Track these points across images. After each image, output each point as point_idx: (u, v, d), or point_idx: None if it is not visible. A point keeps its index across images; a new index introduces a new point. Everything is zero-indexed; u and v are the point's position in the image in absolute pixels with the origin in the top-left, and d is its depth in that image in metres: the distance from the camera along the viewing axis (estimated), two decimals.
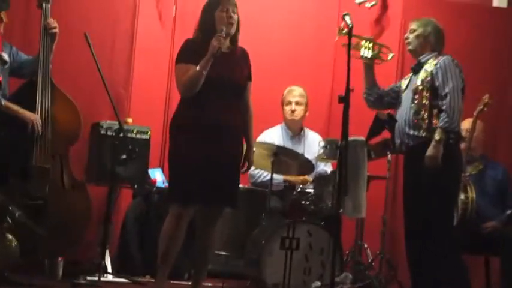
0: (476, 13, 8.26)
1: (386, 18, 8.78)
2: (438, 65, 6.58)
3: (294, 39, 8.61)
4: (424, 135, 6.55)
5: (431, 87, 6.56)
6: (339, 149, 6.09)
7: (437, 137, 6.40)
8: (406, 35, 6.89)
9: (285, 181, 7.50)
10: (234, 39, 6.08)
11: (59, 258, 7.01)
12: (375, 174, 7.61)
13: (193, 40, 6.07)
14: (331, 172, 7.39)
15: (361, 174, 6.87)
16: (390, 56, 7.02)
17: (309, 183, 7.52)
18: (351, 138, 6.15)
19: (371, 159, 7.26)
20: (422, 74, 6.64)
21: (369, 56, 6.89)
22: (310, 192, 7.33)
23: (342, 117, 5.99)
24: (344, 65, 6.08)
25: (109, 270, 7.38)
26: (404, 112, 6.69)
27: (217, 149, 5.91)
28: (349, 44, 6.10)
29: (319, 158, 7.49)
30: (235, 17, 6.00)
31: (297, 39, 8.62)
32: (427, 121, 6.59)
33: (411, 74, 6.86)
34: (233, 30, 6.01)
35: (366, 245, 7.77)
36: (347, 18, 6.17)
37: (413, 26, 6.84)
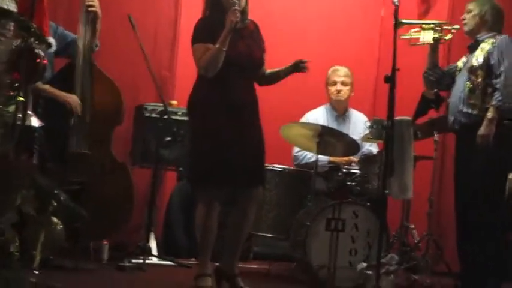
0: None
1: None
2: (495, 44, 6.56)
3: (339, 18, 8.62)
4: (477, 113, 6.54)
5: (487, 66, 6.55)
6: (385, 129, 6.10)
7: (489, 115, 6.38)
8: (463, 16, 6.85)
9: (330, 162, 7.49)
10: (244, 12, 6.08)
11: (104, 242, 7.06)
12: (422, 155, 7.56)
13: (206, 19, 6.12)
14: (377, 153, 7.37)
15: (407, 155, 6.84)
16: (454, 29, 7.02)
17: (354, 164, 7.51)
18: (397, 118, 6.15)
19: (417, 139, 7.23)
20: (478, 52, 6.63)
21: (431, 40, 6.89)
22: (355, 173, 7.32)
23: (388, 97, 5.98)
24: (390, 44, 6.08)
25: (154, 253, 7.43)
26: (459, 90, 6.70)
27: (239, 127, 5.99)
28: (395, 24, 6.07)
29: (365, 138, 7.48)
30: None
31: (342, 18, 8.63)
32: (481, 99, 6.57)
33: (468, 53, 6.84)
34: (242, 3, 6.01)
35: (412, 226, 7.74)
36: None
37: (470, 6, 6.82)
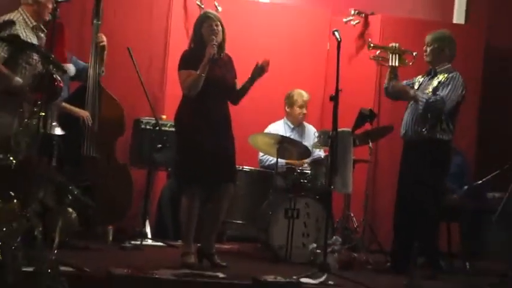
0: (439, 29, 8.17)
1: (368, 33, 8.74)
2: (450, 76, 6.56)
3: (295, 50, 8.58)
4: (425, 133, 6.56)
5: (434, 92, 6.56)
6: (331, 138, 6.12)
7: (414, 94, 6.54)
8: (424, 47, 6.74)
9: (287, 164, 7.49)
10: (221, 46, 6.11)
11: (109, 227, 7.06)
12: (359, 158, 7.60)
13: (189, 51, 6.17)
14: (324, 157, 7.38)
15: (348, 158, 6.84)
16: (413, 55, 6.94)
17: (306, 166, 7.52)
18: (340, 129, 6.17)
19: (356, 146, 7.25)
20: (435, 82, 6.61)
21: (397, 64, 6.80)
22: (307, 173, 7.34)
23: (333, 112, 6.02)
24: (334, 70, 6.10)
25: (149, 236, 7.42)
26: (414, 109, 6.64)
27: (215, 137, 6.01)
28: (338, 54, 6.07)
29: (315, 145, 7.54)
30: (219, 29, 6.07)
31: (297, 50, 8.58)
32: (430, 122, 6.57)
33: (425, 76, 6.79)
34: (219, 40, 6.04)
35: (352, 215, 7.77)
36: (337, 33, 6.16)
37: (429, 39, 6.74)
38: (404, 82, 6.89)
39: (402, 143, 6.86)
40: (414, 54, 6.93)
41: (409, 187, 6.63)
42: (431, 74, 6.72)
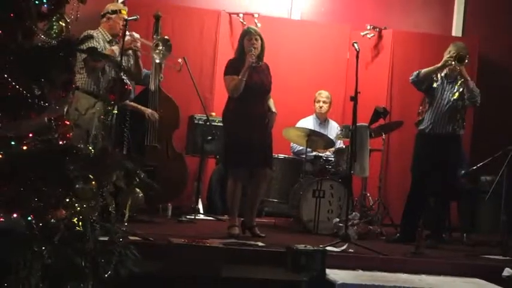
0: (440, 41, 8.09)
1: (381, 44, 8.70)
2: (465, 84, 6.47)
3: (319, 59, 8.55)
4: (456, 130, 6.51)
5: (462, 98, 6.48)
6: (351, 132, 6.10)
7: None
8: (465, 55, 6.48)
9: (314, 152, 7.48)
10: (260, 56, 6.10)
11: (169, 204, 7.09)
12: (374, 148, 7.56)
13: (233, 59, 6.18)
14: (345, 147, 7.35)
15: (365, 148, 6.86)
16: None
17: (330, 154, 7.50)
18: (358, 124, 6.15)
19: (371, 138, 7.24)
20: (457, 88, 6.49)
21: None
22: (331, 160, 7.31)
23: (352, 110, 5.99)
24: (353, 75, 6.07)
25: (201, 211, 7.45)
26: (440, 109, 6.50)
27: (255, 130, 6.00)
28: (357, 62, 6.03)
29: (338, 137, 7.49)
30: (258, 42, 6.06)
31: (323, 58, 8.56)
32: (460, 121, 6.52)
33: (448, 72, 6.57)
34: (258, 51, 6.04)
35: (368, 194, 7.73)
36: (356, 45, 6.12)
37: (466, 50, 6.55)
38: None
39: (417, 135, 6.75)
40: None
41: (434, 174, 6.53)
42: (454, 77, 6.59)
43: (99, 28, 6.35)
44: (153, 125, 6.77)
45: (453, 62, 6.44)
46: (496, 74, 8.80)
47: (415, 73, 6.62)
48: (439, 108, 6.53)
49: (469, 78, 6.50)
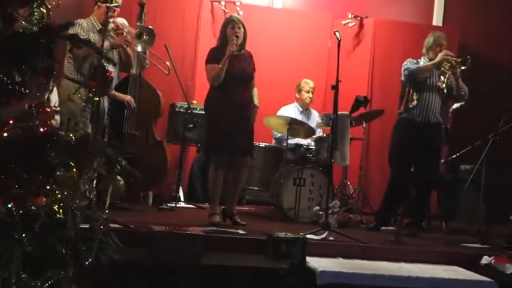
0: (421, 30, 8.10)
1: (363, 33, 8.72)
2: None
3: (301, 48, 8.55)
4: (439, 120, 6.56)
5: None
6: (331, 120, 6.12)
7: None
8: (446, 45, 6.59)
9: (296, 139, 7.49)
10: (242, 45, 6.10)
11: (149, 192, 7.08)
12: (355, 136, 7.59)
13: (215, 48, 6.18)
14: (326, 135, 7.37)
15: (346, 136, 6.88)
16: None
17: (311, 142, 7.51)
18: (339, 112, 6.16)
19: (352, 126, 7.26)
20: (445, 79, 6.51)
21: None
22: (312, 148, 7.34)
23: (333, 99, 6.01)
24: (334, 64, 6.08)
25: (182, 199, 7.45)
26: (433, 99, 6.51)
27: (236, 118, 6.01)
28: (338, 50, 6.05)
29: (318, 126, 7.52)
30: (241, 31, 6.06)
31: (303, 47, 8.56)
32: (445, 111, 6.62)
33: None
34: (240, 40, 6.04)
35: (348, 183, 7.77)
36: (337, 33, 6.13)
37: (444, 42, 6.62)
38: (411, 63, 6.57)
39: (397, 123, 6.69)
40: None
41: (417, 163, 6.55)
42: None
43: (91, 16, 6.35)
44: (132, 112, 6.75)
45: (458, 68, 6.46)
46: (476, 63, 8.83)
47: (409, 68, 6.45)
48: (428, 96, 6.47)
49: (460, 77, 6.53)
